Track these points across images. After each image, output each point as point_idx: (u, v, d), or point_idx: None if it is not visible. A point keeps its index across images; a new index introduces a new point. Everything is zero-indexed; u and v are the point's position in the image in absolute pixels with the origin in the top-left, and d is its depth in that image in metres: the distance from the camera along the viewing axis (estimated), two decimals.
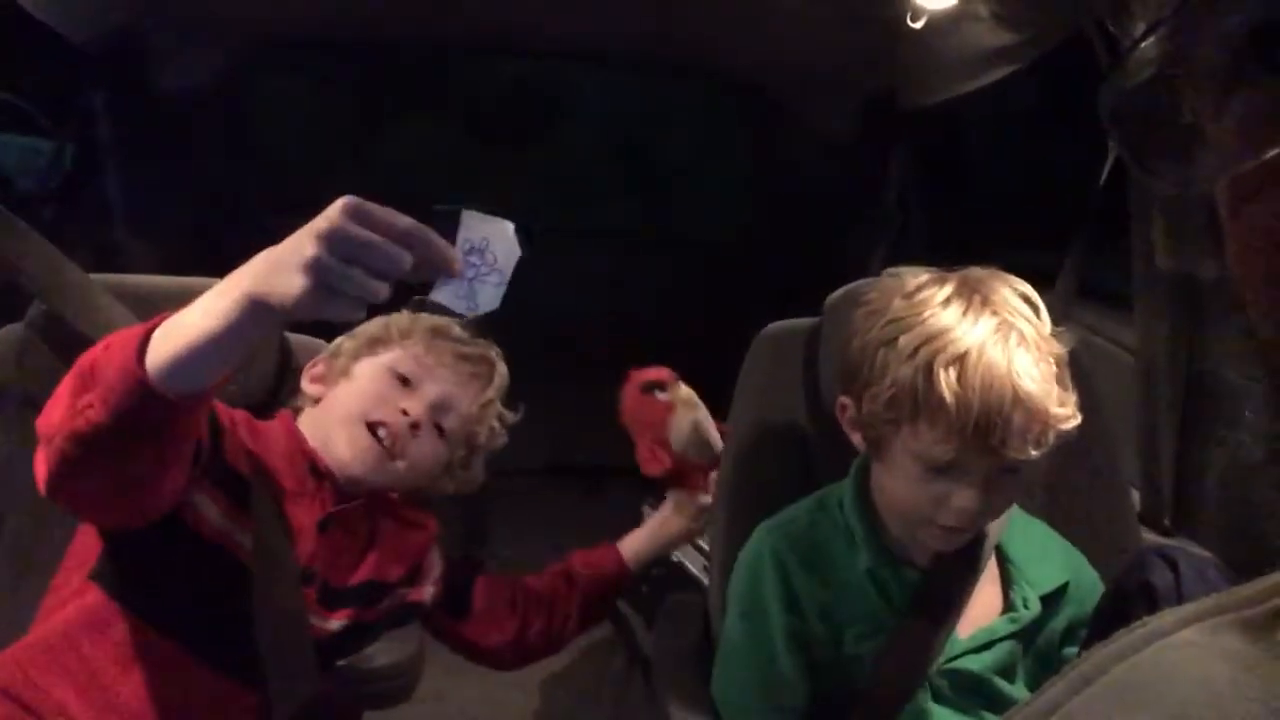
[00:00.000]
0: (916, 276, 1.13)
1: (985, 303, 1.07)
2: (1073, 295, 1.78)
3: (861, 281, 1.41)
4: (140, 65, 2.51)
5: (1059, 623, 1.19)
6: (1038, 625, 1.17)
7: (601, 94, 3.70)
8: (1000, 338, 1.04)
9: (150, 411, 0.83)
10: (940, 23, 1.96)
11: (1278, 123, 0.31)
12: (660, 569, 2.15)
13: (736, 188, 3.65)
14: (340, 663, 1.11)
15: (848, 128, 2.85)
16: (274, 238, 0.88)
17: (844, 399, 1.16)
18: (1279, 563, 0.38)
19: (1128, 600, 1.11)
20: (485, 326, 1.34)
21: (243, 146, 3.30)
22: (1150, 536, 1.53)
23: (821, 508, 1.21)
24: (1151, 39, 0.33)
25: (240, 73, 2.93)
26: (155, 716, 1.04)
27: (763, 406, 1.40)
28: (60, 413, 0.87)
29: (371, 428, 1.21)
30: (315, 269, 0.75)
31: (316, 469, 1.19)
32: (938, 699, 1.15)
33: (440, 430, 1.29)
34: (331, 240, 0.76)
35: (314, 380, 1.30)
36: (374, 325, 1.33)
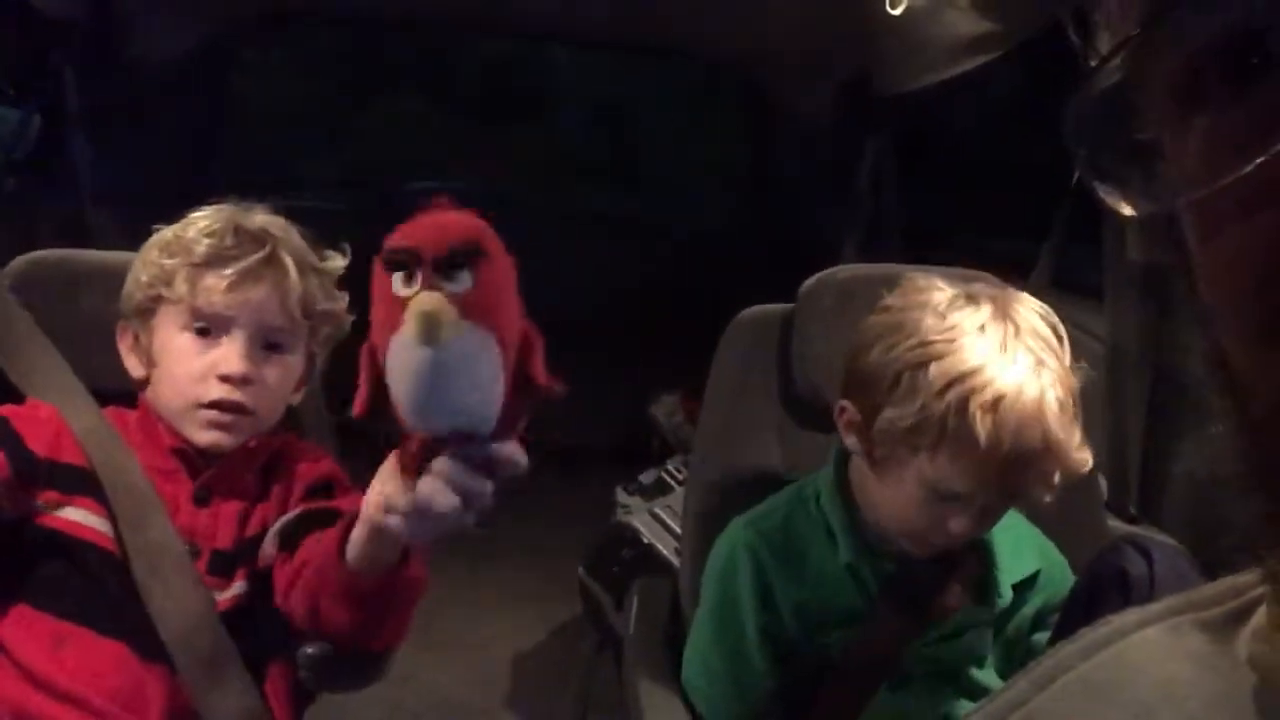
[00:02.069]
0: (942, 290, 1.10)
1: (1019, 334, 1.05)
2: (1046, 284, 1.79)
3: (837, 269, 1.41)
4: (111, 34, 2.47)
5: (1029, 610, 1.20)
6: (1009, 613, 1.19)
7: (584, 77, 3.69)
8: (1035, 379, 1.02)
9: None
10: (919, 9, 1.96)
11: (1241, 148, 0.30)
12: (631, 550, 2.17)
13: (715, 172, 3.65)
14: (307, 650, 1.10)
15: (824, 113, 2.85)
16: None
17: (845, 403, 1.13)
18: (1237, 560, 0.38)
19: (1102, 588, 1.12)
20: None
21: (219, 121, 3.26)
22: (1116, 524, 1.55)
23: (798, 500, 1.21)
24: (1114, 55, 0.33)
25: (217, 45, 2.88)
26: (99, 708, 1.04)
27: (736, 393, 1.40)
28: None
29: (206, 408, 1.13)
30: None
31: (177, 441, 1.16)
32: (908, 686, 1.16)
33: (275, 347, 1.16)
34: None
35: (129, 351, 1.20)
36: (135, 288, 1.17)
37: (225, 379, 1.13)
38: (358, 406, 0.79)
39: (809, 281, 1.41)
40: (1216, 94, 0.31)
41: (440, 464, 0.74)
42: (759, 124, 3.33)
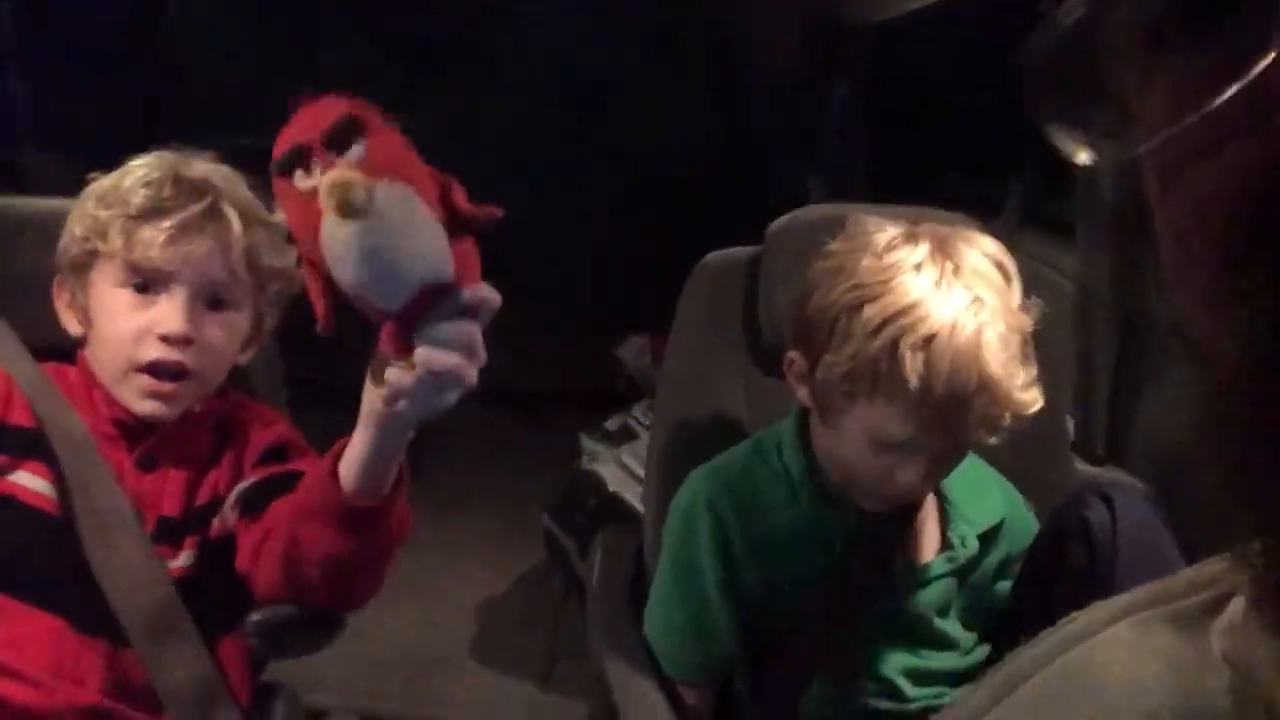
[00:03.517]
0: (884, 230, 1.06)
1: (958, 272, 1.01)
2: (1015, 223, 1.77)
3: (802, 210, 1.37)
4: None
5: (994, 559, 1.19)
6: (974, 562, 1.17)
7: (542, 25, 3.58)
8: (971, 315, 0.99)
9: None
10: None
11: (1203, 91, 0.28)
12: (596, 498, 2.15)
13: (682, 114, 3.58)
14: (255, 617, 1.06)
15: (790, 53, 2.78)
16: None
17: (793, 354, 1.11)
18: (1205, 506, 0.35)
19: (1064, 537, 1.11)
20: None
21: (166, 62, 3.14)
22: (1083, 466, 1.54)
23: (758, 451, 1.19)
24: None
25: None
26: (34, 678, 1.01)
27: (700, 339, 1.36)
28: None
29: (143, 371, 1.07)
30: None
31: (115, 409, 1.10)
32: (874, 637, 1.15)
33: (218, 304, 1.10)
34: None
35: (65, 308, 1.14)
36: (70, 242, 1.10)
37: (164, 339, 1.06)
38: (322, 322, 0.78)
39: (778, 221, 1.37)
40: (1179, 37, 0.30)
41: (425, 329, 0.74)
42: (724, 64, 3.26)
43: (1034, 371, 1.04)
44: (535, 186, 3.24)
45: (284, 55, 3.46)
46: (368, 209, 0.71)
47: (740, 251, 1.39)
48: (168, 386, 1.07)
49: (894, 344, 0.98)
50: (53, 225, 1.16)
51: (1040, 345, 1.31)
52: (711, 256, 1.40)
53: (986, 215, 1.61)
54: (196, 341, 1.08)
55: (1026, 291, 1.13)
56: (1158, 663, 0.33)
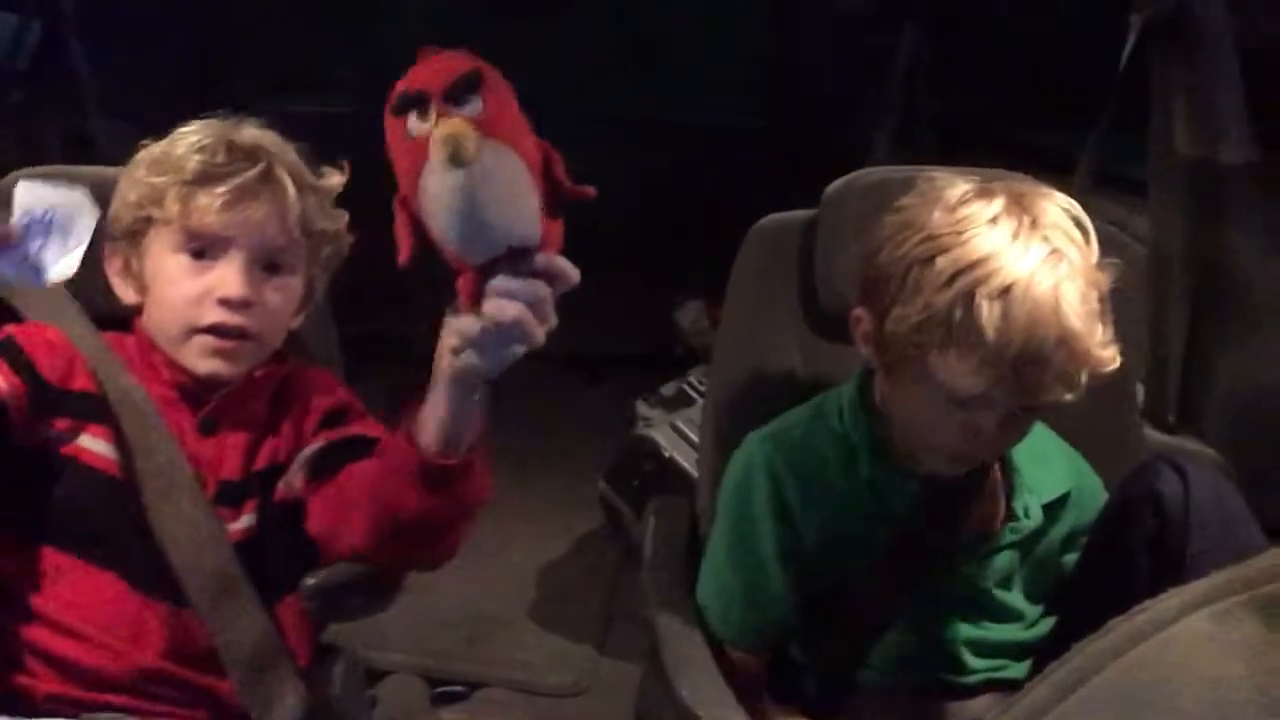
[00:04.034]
0: (956, 185, 1.03)
1: (1035, 225, 0.98)
2: (1089, 183, 1.70)
3: (859, 173, 1.33)
4: None
5: (1059, 531, 1.16)
6: (1038, 534, 1.14)
7: None
8: (1049, 268, 0.95)
9: None
10: None
11: None
12: (651, 463, 2.14)
13: (741, 69, 3.52)
14: (311, 580, 1.07)
15: (857, 2, 2.71)
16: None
17: (860, 311, 1.08)
18: None
19: (1134, 508, 1.07)
20: None
21: (227, 25, 3.16)
22: (1153, 434, 1.49)
23: (818, 415, 1.16)
24: None
25: None
26: (95, 638, 1.02)
27: (756, 303, 1.34)
28: None
29: (204, 332, 1.08)
30: None
31: (176, 372, 1.10)
32: (935, 607, 1.13)
33: (275, 268, 1.10)
34: None
35: (117, 275, 1.13)
36: (123, 209, 1.11)
37: (224, 302, 1.07)
38: (402, 256, 0.81)
39: (834, 185, 1.34)
40: None
41: (497, 281, 0.77)
42: (785, 13, 3.19)
43: (1111, 330, 1.00)
44: (591, 147, 3.22)
45: (346, 7, 3.47)
46: (474, 164, 0.74)
47: (796, 215, 1.36)
48: (229, 344, 1.08)
49: (969, 295, 0.95)
50: (103, 193, 1.17)
51: (1110, 309, 1.27)
52: (766, 220, 1.37)
53: (1057, 175, 1.56)
54: (255, 305, 1.08)
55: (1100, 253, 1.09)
56: (1240, 661, 0.31)
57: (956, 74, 2.64)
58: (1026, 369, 0.96)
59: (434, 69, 0.79)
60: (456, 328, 0.80)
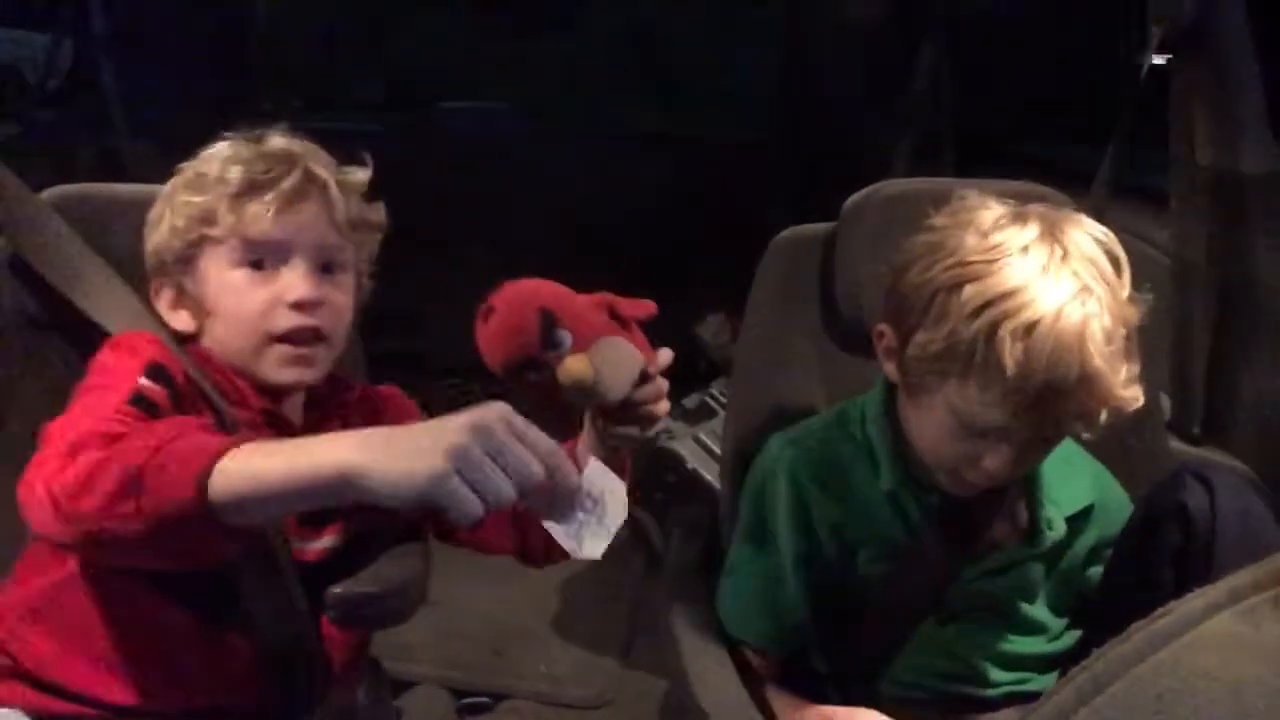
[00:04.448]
0: (990, 208, 1.03)
1: (1066, 258, 0.97)
2: (1109, 194, 1.69)
3: (878, 186, 1.34)
4: None
5: (1084, 543, 1.15)
6: (1062, 546, 1.14)
7: None
8: (1077, 305, 0.95)
9: (201, 533, 0.79)
10: None
11: None
12: (674, 476, 2.14)
13: (755, 83, 3.53)
14: (335, 589, 1.08)
15: (876, 14, 2.71)
16: None
17: (883, 327, 1.08)
18: None
19: (1160, 521, 1.06)
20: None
21: (250, 47, 3.20)
22: (1179, 445, 1.48)
23: (841, 423, 1.17)
24: None
25: None
26: (141, 666, 1.02)
27: (776, 316, 1.35)
28: (93, 505, 0.80)
29: (280, 341, 1.07)
30: (460, 455, 0.71)
31: (256, 388, 1.09)
32: (955, 620, 1.12)
33: (331, 267, 1.11)
34: (483, 433, 0.72)
35: (171, 308, 1.12)
36: (171, 237, 1.10)
37: (296, 305, 1.07)
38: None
39: (853, 198, 1.34)
40: None
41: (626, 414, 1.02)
42: (803, 29, 3.19)
43: (1137, 367, 0.99)
44: (609, 162, 3.23)
45: (362, 27, 3.50)
46: (596, 381, 0.96)
47: (816, 227, 1.37)
48: (305, 351, 1.08)
49: (994, 328, 0.94)
50: (143, 211, 1.18)
51: (1137, 343, 1.27)
52: (786, 233, 1.38)
53: (1077, 186, 1.55)
54: (325, 304, 1.08)
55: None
56: (1263, 664, 0.31)
57: (974, 87, 2.64)
58: (1046, 405, 0.96)
59: (514, 328, 0.97)
60: (623, 432, 1.05)
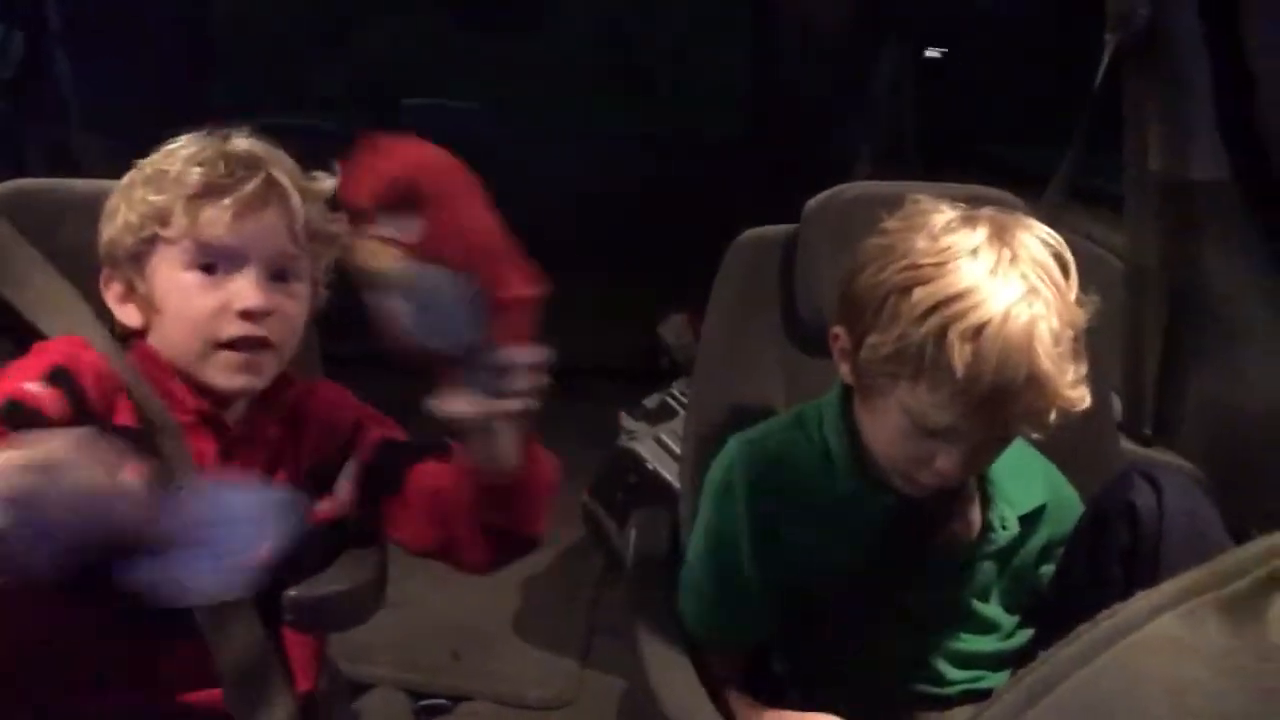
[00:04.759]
0: (941, 211, 1.04)
1: (1015, 260, 0.99)
2: (1064, 197, 1.72)
3: (840, 188, 1.35)
4: None
5: (1036, 542, 1.17)
6: (1015, 545, 1.15)
7: None
8: (1025, 307, 0.96)
9: None
10: None
11: None
12: (635, 476, 2.15)
13: (725, 83, 3.54)
14: (291, 593, 1.07)
15: (841, 17, 2.73)
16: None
17: (838, 329, 1.09)
18: (1260, 483, 0.33)
19: (1109, 520, 1.08)
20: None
21: (209, 39, 3.16)
22: (1129, 446, 1.51)
23: (798, 425, 1.17)
24: None
25: None
26: (90, 679, 1.01)
27: (736, 317, 1.35)
28: None
29: (226, 348, 1.05)
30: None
31: (197, 391, 1.07)
32: (911, 619, 1.14)
33: (285, 276, 1.08)
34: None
35: (120, 301, 1.10)
36: (124, 232, 1.08)
37: (245, 314, 1.05)
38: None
39: (814, 200, 1.35)
40: None
41: (453, 381, 0.87)
42: (771, 32, 3.21)
43: (1084, 369, 1.01)
44: (575, 161, 3.22)
45: (325, 21, 3.46)
46: (400, 286, 0.82)
47: (777, 229, 1.38)
48: (251, 358, 1.06)
49: (942, 331, 0.96)
50: (95, 206, 1.16)
51: (1085, 345, 1.29)
52: (748, 234, 1.38)
53: (1033, 189, 1.58)
54: (275, 314, 1.06)
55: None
56: (1206, 666, 0.31)
57: (938, 90, 2.67)
58: (994, 406, 0.97)
59: (378, 175, 0.84)
60: (434, 408, 0.89)
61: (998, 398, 0.96)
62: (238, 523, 0.80)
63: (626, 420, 2.26)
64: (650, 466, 2.13)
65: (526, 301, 0.89)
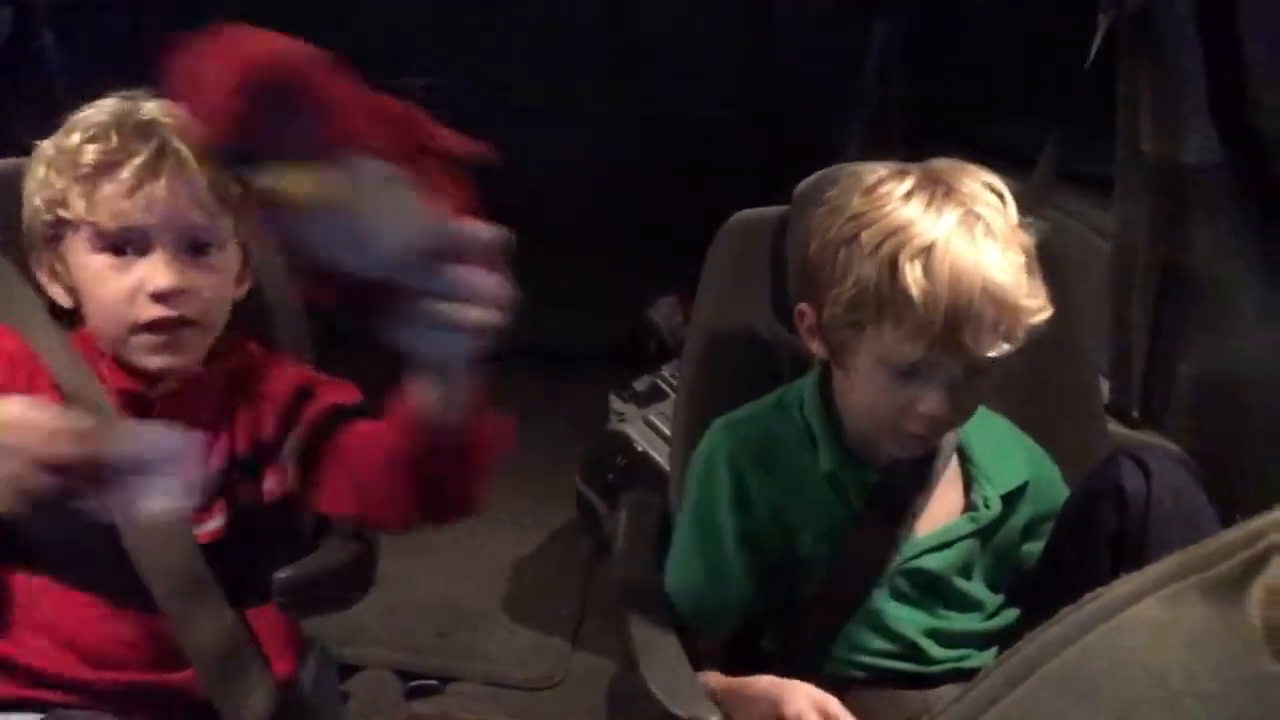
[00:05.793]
0: (875, 171, 1.09)
1: (949, 194, 1.03)
2: (1052, 177, 1.72)
3: (829, 169, 1.34)
4: None
5: (1018, 520, 1.18)
6: (997, 524, 1.16)
7: None
8: (966, 229, 1.01)
9: None
10: None
11: None
12: (625, 458, 2.15)
13: (720, 62, 3.52)
14: (281, 575, 1.07)
15: None
16: None
17: (802, 306, 1.12)
18: (1245, 463, 0.33)
19: (1096, 502, 1.09)
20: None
21: (200, 10, 3.13)
22: (1117, 428, 1.51)
23: (780, 407, 1.19)
24: None
25: None
26: (60, 655, 1.01)
27: (726, 300, 1.35)
28: None
29: (144, 330, 1.02)
30: None
31: (125, 370, 1.06)
32: (895, 597, 1.14)
33: (201, 247, 1.03)
34: None
35: (49, 282, 1.07)
36: (33, 215, 1.05)
37: (156, 296, 1.01)
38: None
39: (805, 182, 1.35)
40: None
41: (414, 283, 0.73)
42: (765, 9, 3.19)
43: (1042, 287, 1.04)
44: (565, 141, 3.21)
45: (314, 14, 3.43)
46: (337, 203, 0.67)
47: (768, 211, 1.37)
48: (171, 339, 1.04)
49: (893, 260, 1.00)
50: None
51: (1074, 305, 1.29)
52: (737, 216, 1.38)
53: (1021, 169, 1.57)
54: (189, 291, 1.03)
55: (1058, 249, 1.11)
56: (1187, 649, 0.31)
57: (929, 69, 2.66)
58: (957, 326, 0.99)
59: (213, 88, 0.69)
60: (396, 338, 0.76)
61: (959, 318, 0.99)
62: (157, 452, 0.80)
63: (616, 402, 2.26)
64: (640, 448, 2.13)
65: (460, 172, 0.78)
